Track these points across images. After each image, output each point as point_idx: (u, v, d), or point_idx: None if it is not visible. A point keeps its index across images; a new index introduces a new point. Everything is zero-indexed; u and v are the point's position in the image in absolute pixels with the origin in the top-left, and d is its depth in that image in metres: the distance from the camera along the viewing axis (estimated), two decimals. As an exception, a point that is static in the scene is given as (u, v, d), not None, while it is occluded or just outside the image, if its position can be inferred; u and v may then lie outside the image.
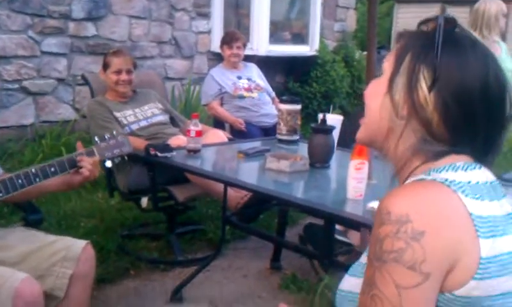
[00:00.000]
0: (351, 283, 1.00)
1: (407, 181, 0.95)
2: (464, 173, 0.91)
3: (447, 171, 0.92)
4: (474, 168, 0.94)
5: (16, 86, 4.43)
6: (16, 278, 1.65)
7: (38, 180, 1.84)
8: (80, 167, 1.95)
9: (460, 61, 0.93)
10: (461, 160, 0.94)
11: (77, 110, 4.83)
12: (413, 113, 0.94)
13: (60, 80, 4.71)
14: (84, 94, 4.78)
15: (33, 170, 1.84)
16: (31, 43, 4.46)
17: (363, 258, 1.00)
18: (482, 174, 0.94)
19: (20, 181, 1.81)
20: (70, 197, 3.82)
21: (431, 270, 0.82)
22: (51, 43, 4.59)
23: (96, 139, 2.06)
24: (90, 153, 1.99)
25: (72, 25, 4.71)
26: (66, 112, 4.77)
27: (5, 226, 1.89)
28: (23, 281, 1.64)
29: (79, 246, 1.90)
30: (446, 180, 0.89)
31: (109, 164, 2.07)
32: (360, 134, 1.06)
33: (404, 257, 0.82)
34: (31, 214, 2.06)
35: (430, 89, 0.92)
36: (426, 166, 0.94)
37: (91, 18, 4.84)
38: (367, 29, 2.59)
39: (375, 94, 1.01)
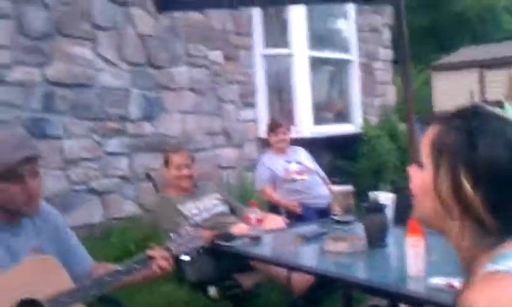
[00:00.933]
0: None
1: (481, 271, 1.00)
2: None
3: None
4: None
5: (83, 187, 4.74)
6: None
7: (123, 277, 2.03)
8: (153, 263, 2.11)
9: (495, 150, 0.99)
10: None
11: (140, 205, 5.09)
12: (465, 213, 1.01)
13: (123, 178, 5.01)
14: (146, 190, 5.07)
15: (120, 268, 2.03)
16: (95, 146, 4.82)
17: None
18: None
19: (109, 279, 2.00)
20: (140, 290, 3.98)
21: None
22: (113, 144, 4.94)
23: (171, 234, 2.23)
24: (167, 249, 2.15)
25: (130, 126, 5.07)
26: (130, 209, 5.04)
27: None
28: None
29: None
30: None
31: (186, 258, 2.21)
32: (416, 216, 1.13)
33: None
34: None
35: (474, 189, 0.99)
36: (490, 252, 1.01)
37: (147, 117, 5.21)
38: (405, 102, 2.75)
39: (423, 191, 1.08)
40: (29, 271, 1.90)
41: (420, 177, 1.10)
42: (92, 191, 4.79)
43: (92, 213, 4.76)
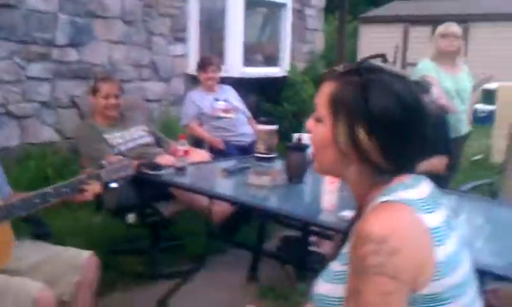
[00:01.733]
0: (325, 288, 1.19)
1: (372, 203, 1.13)
2: (413, 190, 1.12)
3: (401, 190, 1.11)
4: (419, 183, 1.15)
5: (1, 109, 4.59)
6: (33, 287, 1.87)
7: (51, 199, 2.06)
8: (84, 189, 2.15)
9: (384, 101, 1.12)
10: (406, 178, 1.15)
11: (59, 132, 5.01)
12: (360, 157, 1.14)
13: (43, 104, 4.89)
14: (66, 117, 4.99)
15: (49, 191, 2.05)
16: (16, 69, 4.64)
17: (335, 266, 1.19)
18: (426, 188, 1.16)
19: (37, 200, 2.02)
20: (54, 216, 3.98)
21: (408, 277, 1.03)
22: (36, 68, 4.77)
23: (103, 162, 2.26)
24: (97, 178, 2.18)
25: (55, 51, 4.91)
26: (48, 135, 4.95)
27: (16, 239, 2.10)
28: (40, 291, 1.86)
29: (84, 256, 2.13)
30: (405, 199, 1.09)
31: (114, 185, 2.26)
32: (317, 169, 1.27)
33: (386, 270, 1.02)
34: (39, 228, 2.27)
35: (369, 137, 1.12)
36: (381, 187, 1.15)
37: (74, 44, 5.05)
38: (337, 51, 2.88)
39: (321, 142, 1.19)
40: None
41: (319, 131, 1.20)
42: (10, 114, 4.65)
43: (9, 136, 4.64)
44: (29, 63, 4.72)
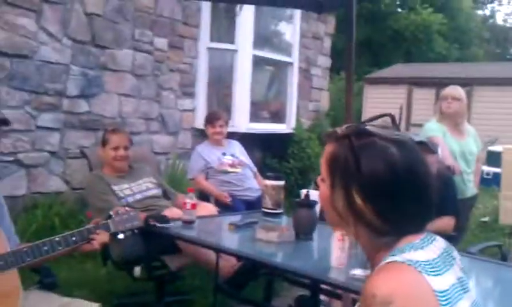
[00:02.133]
0: None
1: (380, 263, 1.14)
2: (422, 252, 1.12)
3: (408, 251, 1.12)
4: (429, 244, 1.16)
5: (10, 158, 4.63)
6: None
7: (60, 247, 2.06)
8: (93, 239, 2.17)
9: (376, 167, 1.13)
10: (415, 238, 1.15)
11: (66, 182, 5.03)
12: (359, 221, 1.16)
13: (52, 153, 4.93)
14: (74, 167, 5.02)
15: (57, 239, 2.06)
16: (27, 118, 4.71)
17: None
18: (436, 248, 1.17)
19: (45, 247, 2.02)
20: (61, 267, 3.95)
21: None
22: (46, 118, 4.85)
23: (111, 213, 2.27)
24: (106, 228, 2.20)
25: (65, 102, 4.99)
26: (56, 184, 4.96)
27: (23, 289, 2.08)
28: None
29: (92, 308, 2.10)
30: (411, 261, 1.09)
31: (121, 236, 2.27)
32: (327, 220, 1.28)
33: None
34: (45, 277, 2.25)
35: (364, 201, 1.14)
36: (389, 247, 1.15)
37: (85, 95, 5.14)
38: (345, 109, 2.92)
39: (325, 202, 1.23)
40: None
41: (322, 190, 1.24)
42: (19, 163, 4.68)
43: (17, 185, 4.66)
44: (40, 113, 4.79)
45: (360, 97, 15.93)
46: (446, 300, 1.08)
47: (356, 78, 16.43)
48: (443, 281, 1.10)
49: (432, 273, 1.09)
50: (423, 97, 14.24)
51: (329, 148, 1.22)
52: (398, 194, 1.14)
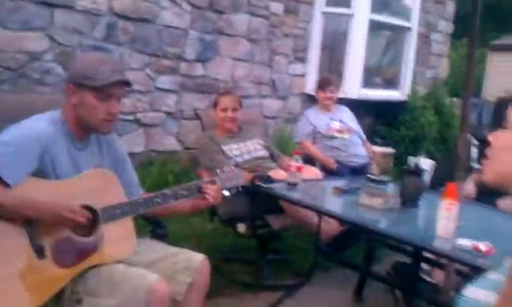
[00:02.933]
0: (476, 293, 1.15)
1: None
2: None
3: None
4: None
5: (130, 117, 4.94)
6: (151, 277, 1.97)
7: (171, 200, 2.19)
8: (205, 193, 2.27)
9: None
10: None
11: (180, 142, 5.28)
12: None
13: (169, 114, 5.19)
14: (188, 128, 5.25)
15: (168, 192, 2.19)
16: (147, 80, 4.98)
17: (492, 275, 1.17)
18: None
19: (157, 200, 2.16)
20: (171, 220, 4.19)
21: None
22: (164, 81, 5.09)
23: (218, 170, 2.37)
24: (213, 183, 2.31)
25: (183, 65, 5.21)
26: (171, 143, 5.23)
27: (137, 236, 2.24)
28: (157, 280, 1.96)
29: (198, 259, 2.20)
30: None
31: (226, 193, 2.36)
32: (488, 176, 1.22)
33: None
34: (158, 228, 2.41)
35: None
36: None
37: (201, 59, 5.33)
38: (465, 78, 2.76)
39: (507, 148, 1.20)
40: (89, 181, 2.07)
41: (505, 135, 1.20)
42: (138, 122, 4.98)
43: (135, 142, 4.96)
44: (159, 75, 5.04)
45: (483, 65, 14.93)
46: None
47: (480, 44, 15.40)
48: None
49: None
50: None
51: None
52: None
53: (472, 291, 1.16)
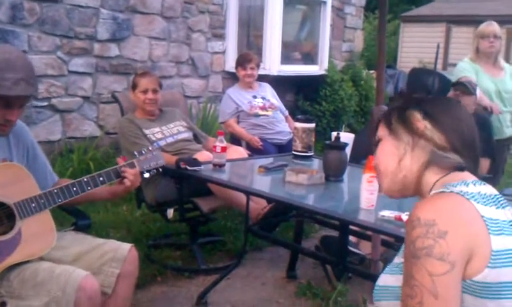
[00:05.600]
0: (386, 280, 1.24)
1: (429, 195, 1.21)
2: (474, 187, 1.17)
3: (460, 185, 1.16)
4: (481, 184, 1.20)
5: (45, 103, 4.71)
6: (78, 274, 1.90)
7: (89, 187, 2.11)
8: (124, 178, 2.21)
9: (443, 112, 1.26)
10: (469, 178, 1.20)
11: (100, 127, 5.10)
12: (418, 138, 1.24)
13: (85, 98, 4.99)
14: (107, 112, 5.08)
15: (85, 179, 2.11)
16: (59, 63, 4.75)
17: (397, 259, 1.25)
18: (488, 189, 1.20)
19: (75, 188, 2.07)
20: (98, 210, 4.07)
21: (455, 259, 1.06)
22: (78, 63, 4.88)
23: (135, 152, 2.30)
24: (131, 165, 2.23)
25: (96, 46, 5.00)
26: (90, 129, 5.05)
27: (59, 229, 2.14)
28: (85, 277, 1.89)
29: (125, 248, 2.14)
30: (461, 191, 1.14)
31: (146, 175, 2.30)
32: (387, 190, 1.32)
33: (433, 251, 1.06)
34: (80, 220, 2.32)
35: (424, 118, 1.24)
36: (443, 181, 1.20)
37: (115, 39, 5.14)
38: (377, 50, 2.83)
39: (386, 158, 1.29)
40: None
41: (381, 150, 1.31)
42: (53, 108, 4.76)
43: (52, 130, 4.75)
44: (71, 58, 4.82)
45: (397, 37, 15.48)
46: (495, 227, 1.10)
47: (393, 16, 15.95)
48: (492, 212, 1.12)
49: (483, 202, 1.13)
50: (462, 36, 13.72)
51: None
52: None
53: (382, 280, 1.25)
